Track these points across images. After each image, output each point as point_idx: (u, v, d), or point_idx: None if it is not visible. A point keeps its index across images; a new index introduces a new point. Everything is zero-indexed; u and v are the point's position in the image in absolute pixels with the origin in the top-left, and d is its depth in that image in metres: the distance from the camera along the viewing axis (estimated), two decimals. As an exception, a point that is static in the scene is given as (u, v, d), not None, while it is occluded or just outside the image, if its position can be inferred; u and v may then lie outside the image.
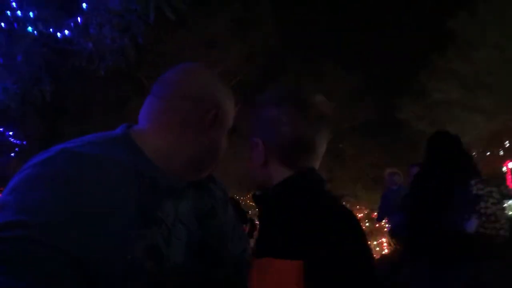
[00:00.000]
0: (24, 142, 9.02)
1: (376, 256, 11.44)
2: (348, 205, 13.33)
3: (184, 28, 13.13)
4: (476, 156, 17.40)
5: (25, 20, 4.56)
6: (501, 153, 17.07)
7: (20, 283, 0.63)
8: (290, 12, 17.33)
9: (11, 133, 8.45)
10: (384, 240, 15.60)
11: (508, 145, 16.68)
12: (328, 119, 0.95)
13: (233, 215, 1.15)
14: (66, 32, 4.64)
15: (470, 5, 14.71)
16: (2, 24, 4.52)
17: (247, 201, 14.96)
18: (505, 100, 14.71)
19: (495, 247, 2.47)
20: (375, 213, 10.84)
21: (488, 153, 17.22)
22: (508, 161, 16.20)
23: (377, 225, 16.89)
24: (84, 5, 4.68)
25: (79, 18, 4.64)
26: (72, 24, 4.63)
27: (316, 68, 18.39)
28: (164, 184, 0.88)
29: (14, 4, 4.57)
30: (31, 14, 4.62)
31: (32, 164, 0.78)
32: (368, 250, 0.82)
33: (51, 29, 4.69)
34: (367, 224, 19.44)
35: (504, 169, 16.54)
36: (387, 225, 8.00)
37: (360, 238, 0.82)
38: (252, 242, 1.10)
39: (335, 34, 18.57)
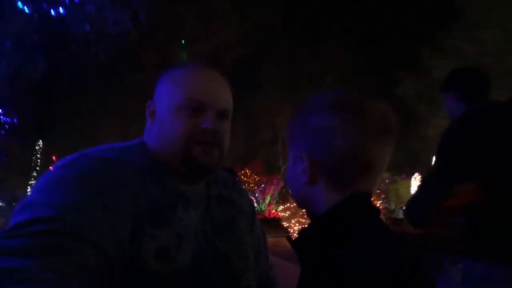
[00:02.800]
0: (15, 120, 8.69)
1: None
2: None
3: (183, 1, 12.55)
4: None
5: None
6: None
7: (54, 274, 0.66)
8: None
9: (0, 111, 8.07)
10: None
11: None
12: (393, 132, 0.80)
13: (261, 231, 1.16)
14: (61, 10, 4.21)
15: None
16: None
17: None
18: (506, 81, 14.71)
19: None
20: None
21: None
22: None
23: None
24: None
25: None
26: (67, 1, 4.20)
27: (315, 44, 17.88)
28: (176, 190, 0.93)
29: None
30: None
31: (56, 167, 0.86)
32: None
33: (44, 5, 4.25)
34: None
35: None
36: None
37: None
38: None
39: (336, 9, 17.99)
